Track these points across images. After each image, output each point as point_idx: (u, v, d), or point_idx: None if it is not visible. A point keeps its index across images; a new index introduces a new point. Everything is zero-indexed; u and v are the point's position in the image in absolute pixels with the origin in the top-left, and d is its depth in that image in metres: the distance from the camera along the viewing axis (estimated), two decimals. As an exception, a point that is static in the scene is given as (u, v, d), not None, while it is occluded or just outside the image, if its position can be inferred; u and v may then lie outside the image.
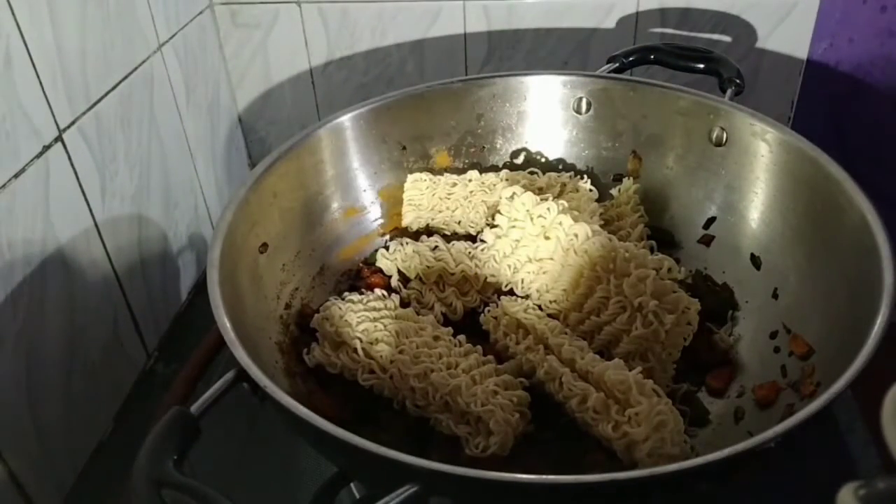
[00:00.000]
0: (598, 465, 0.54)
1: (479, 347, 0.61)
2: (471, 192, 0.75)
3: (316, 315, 0.63)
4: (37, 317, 0.61)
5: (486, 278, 0.67)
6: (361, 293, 0.66)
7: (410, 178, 0.76)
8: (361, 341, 0.60)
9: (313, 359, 0.61)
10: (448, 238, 0.73)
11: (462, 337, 0.62)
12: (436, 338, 0.61)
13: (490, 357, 0.60)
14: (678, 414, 0.54)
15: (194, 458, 0.45)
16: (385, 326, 0.61)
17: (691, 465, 0.42)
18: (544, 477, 0.42)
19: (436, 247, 0.70)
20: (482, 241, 0.68)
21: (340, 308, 0.63)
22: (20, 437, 0.60)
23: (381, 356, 0.59)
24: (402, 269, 0.69)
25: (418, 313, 0.64)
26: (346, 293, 0.66)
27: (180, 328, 0.83)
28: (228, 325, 0.51)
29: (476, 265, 0.67)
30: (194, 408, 0.47)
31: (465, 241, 0.71)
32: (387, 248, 0.71)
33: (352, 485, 0.59)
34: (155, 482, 0.41)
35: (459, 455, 0.54)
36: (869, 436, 0.62)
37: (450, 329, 0.63)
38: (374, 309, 0.63)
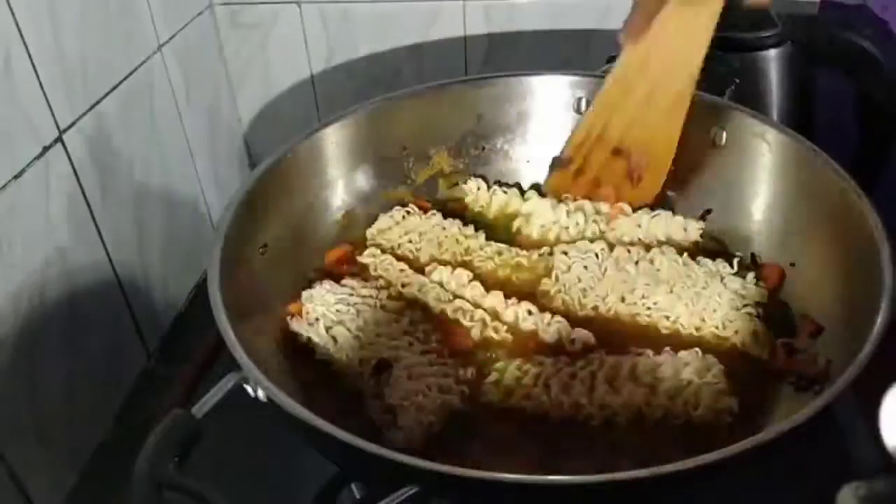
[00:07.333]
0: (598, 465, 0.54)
1: (445, 350, 0.60)
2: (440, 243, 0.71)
3: (304, 292, 0.64)
4: (37, 317, 0.61)
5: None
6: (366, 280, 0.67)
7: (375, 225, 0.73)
8: (326, 318, 0.62)
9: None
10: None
11: (436, 336, 0.62)
12: (405, 332, 0.61)
13: (448, 362, 0.59)
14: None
15: (195, 459, 0.45)
16: (358, 313, 0.62)
17: (691, 464, 0.42)
18: (545, 477, 0.42)
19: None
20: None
21: (329, 287, 0.64)
22: (21, 437, 0.60)
23: (336, 336, 0.61)
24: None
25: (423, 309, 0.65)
26: (346, 278, 0.67)
27: (180, 328, 0.83)
28: (228, 325, 0.51)
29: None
30: (195, 409, 0.47)
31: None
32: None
33: (353, 486, 0.59)
34: (156, 483, 0.41)
35: (462, 457, 0.54)
36: (869, 436, 0.62)
37: (428, 326, 0.62)
38: (361, 296, 0.64)
